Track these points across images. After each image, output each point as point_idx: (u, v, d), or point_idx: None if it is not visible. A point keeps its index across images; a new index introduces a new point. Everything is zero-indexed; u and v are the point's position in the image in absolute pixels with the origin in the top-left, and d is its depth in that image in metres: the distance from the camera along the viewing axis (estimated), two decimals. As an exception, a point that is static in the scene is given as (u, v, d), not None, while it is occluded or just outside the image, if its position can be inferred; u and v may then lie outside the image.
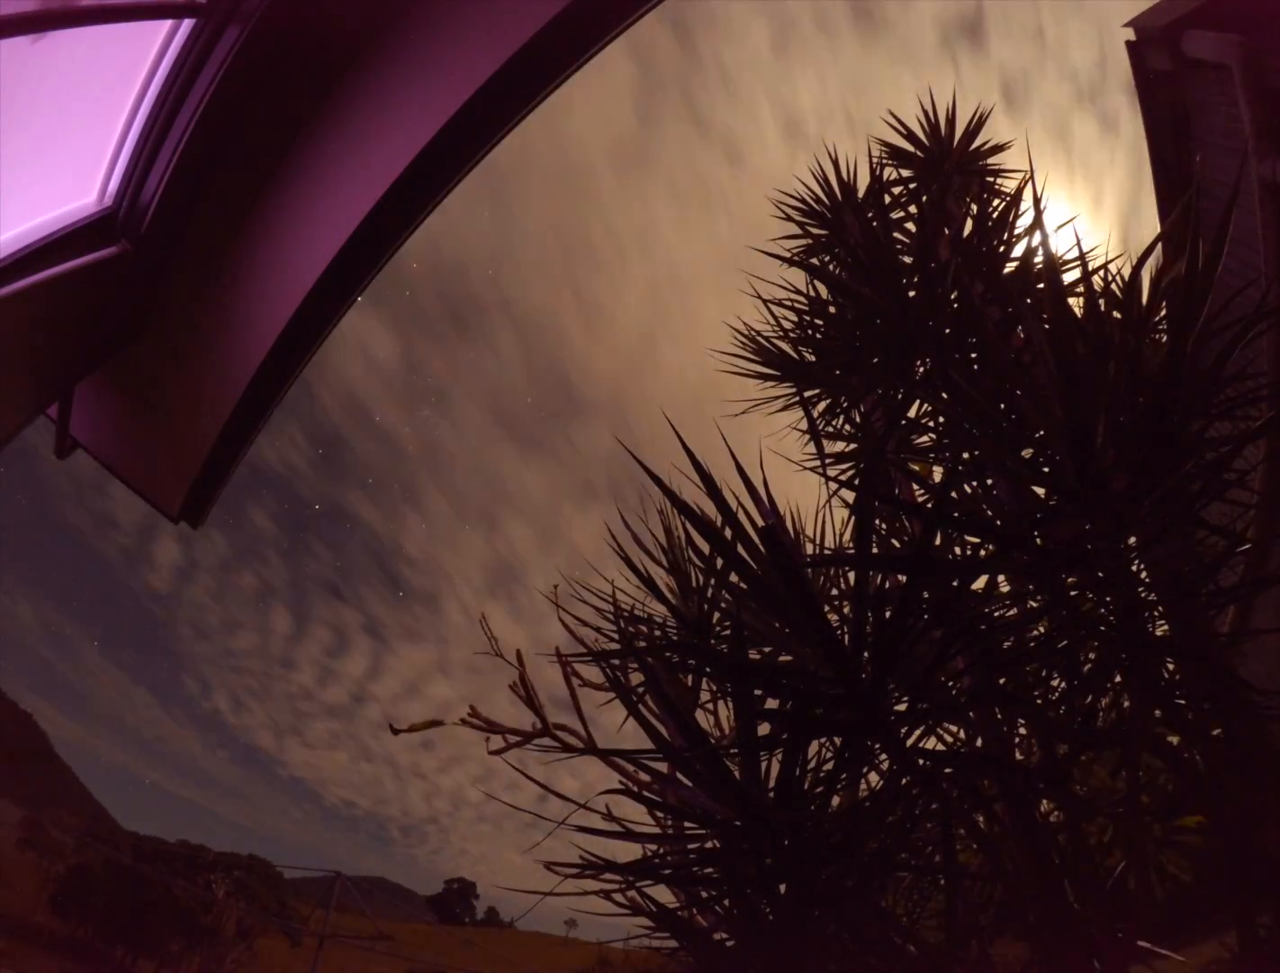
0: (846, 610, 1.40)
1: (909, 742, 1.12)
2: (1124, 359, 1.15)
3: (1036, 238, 1.86)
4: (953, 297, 1.78)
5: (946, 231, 1.96)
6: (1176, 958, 1.15)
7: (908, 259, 2.03)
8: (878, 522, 1.63)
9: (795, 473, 1.99)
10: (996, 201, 2.43)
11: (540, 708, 2.21)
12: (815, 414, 2.21)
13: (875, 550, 1.12)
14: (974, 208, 2.19)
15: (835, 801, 1.18)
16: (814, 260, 2.54)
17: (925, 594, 1.08)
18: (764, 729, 1.12)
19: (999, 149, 2.72)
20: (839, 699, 1.05)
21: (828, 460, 2.07)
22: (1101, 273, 1.78)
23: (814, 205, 2.48)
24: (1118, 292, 1.54)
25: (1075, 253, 1.64)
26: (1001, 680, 1.25)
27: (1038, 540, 1.18)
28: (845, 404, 2.18)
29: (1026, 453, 1.29)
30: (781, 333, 2.23)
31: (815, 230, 2.52)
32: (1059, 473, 1.20)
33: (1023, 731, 1.39)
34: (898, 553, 1.56)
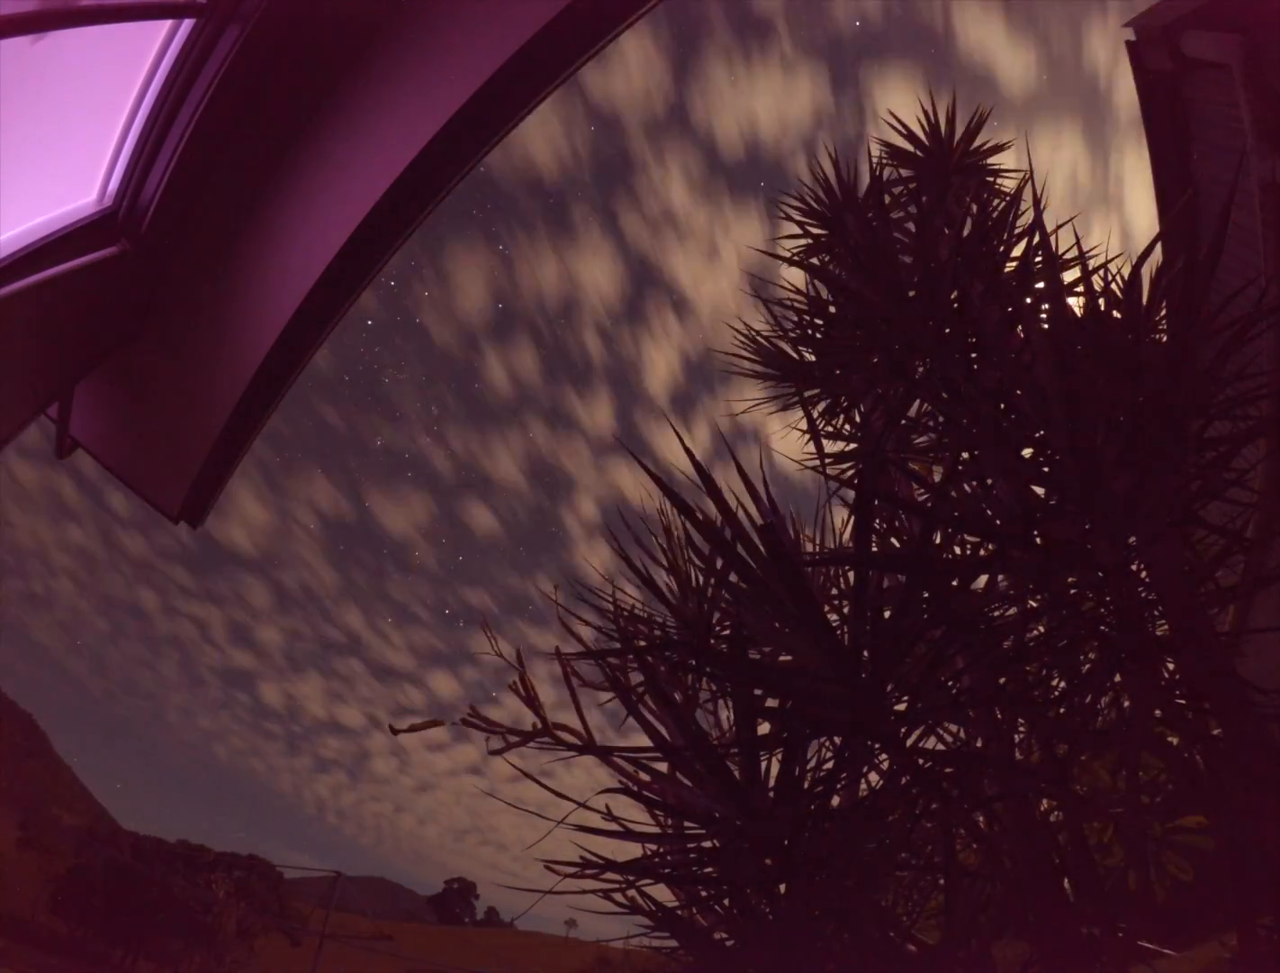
0: (846, 610, 1.40)
1: (909, 742, 1.12)
2: (1124, 359, 1.15)
3: (1036, 237, 1.85)
4: (953, 296, 1.78)
5: (946, 231, 1.96)
6: (1177, 958, 1.15)
7: (908, 259, 2.03)
8: (877, 521, 1.63)
9: (797, 472, 1.99)
10: (996, 201, 2.43)
11: (540, 707, 2.21)
12: (815, 414, 2.21)
13: (874, 549, 1.12)
14: (974, 207, 2.19)
15: (835, 801, 1.18)
16: (814, 260, 2.54)
17: (925, 594, 1.08)
18: (764, 729, 1.12)
19: (999, 149, 2.71)
20: (839, 699, 1.05)
21: (828, 460, 2.07)
22: (1101, 272, 1.78)
23: (814, 205, 2.48)
24: (1117, 291, 1.54)
25: (1075, 252, 1.64)
26: (1001, 680, 1.25)
27: (1038, 540, 1.18)
28: (845, 404, 2.18)
29: (1026, 453, 1.29)
30: (781, 333, 2.23)
31: (815, 230, 2.52)
32: (1059, 473, 1.20)
33: (1023, 731, 1.39)
34: (897, 552, 1.56)
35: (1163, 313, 1.41)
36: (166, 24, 1.83)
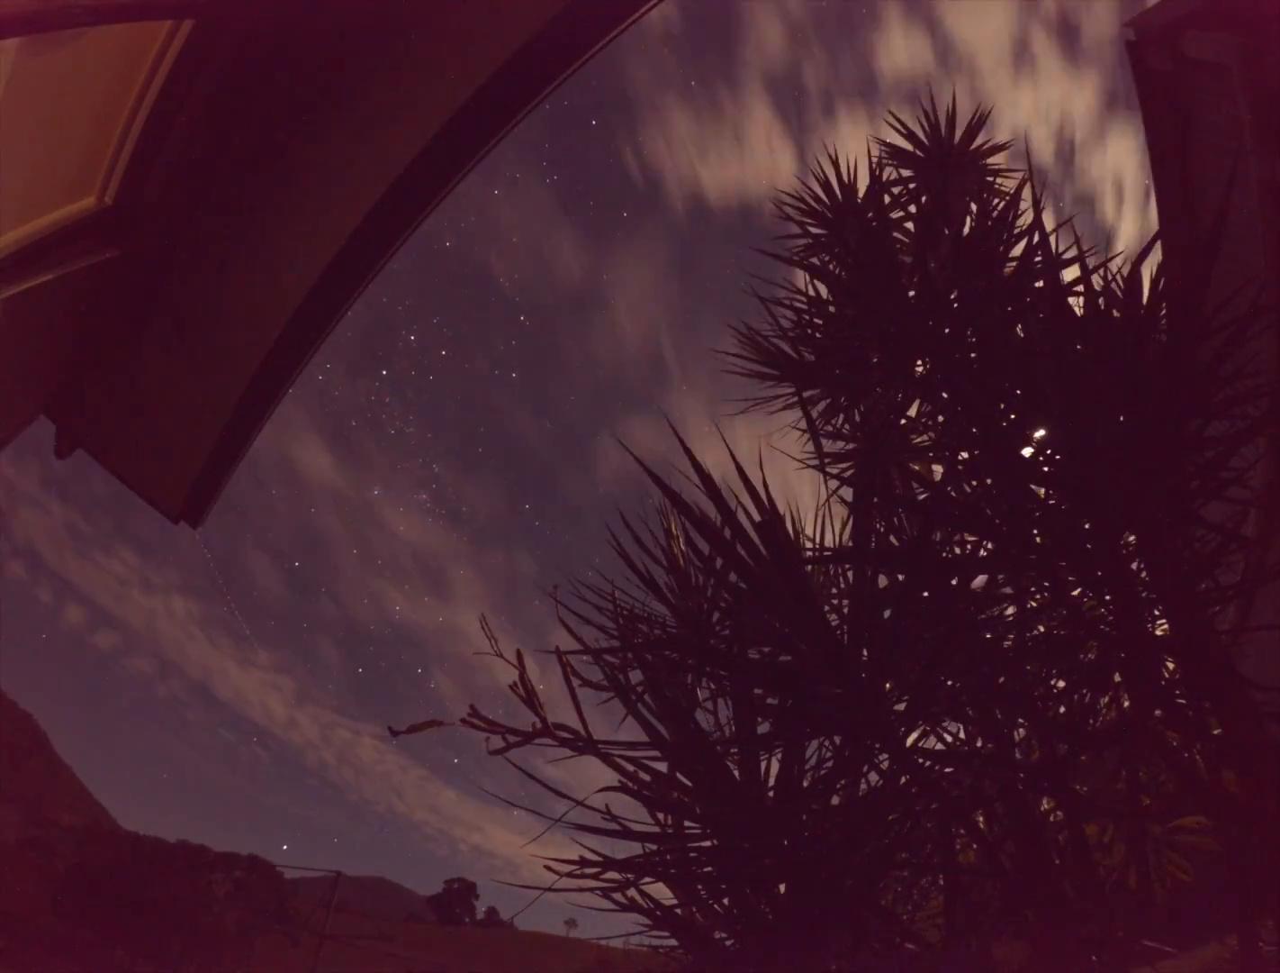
0: (846, 610, 1.40)
1: (909, 742, 1.12)
2: (1123, 358, 1.15)
3: (1035, 236, 1.85)
4: (953, 296, 1.78)
5: (946, 231, 1.96)
6: (1177, 958, 1.15)
7: (907, 259, 2.03)
8: (876, 520, 1.62)
9: (797, 471, 1.99)
10: (996, 200, 2.44)
11: (540, 707, 2.21)
12: (815, 413, 2.21)
13: (874, 548, 1.12)
14: (974, 207, 2.19)
15: (834, 800, 1.18)
16: (814, 260, 2.54)
17: (924, 593, 1.08)
18: (763, 729, 1.12)
19: (999, 148, 2.72)
20: (838, 699, 1.05)
21: (827, 460, 2.07)
22: (1101, 272, 1.78)
23: (814, 205, 2.48)
24: (1117, 291, 1.54)
25: (1075, 251, 1.64)
26: (1001, 680, 1.25)
27: (1038, 540, 1.18)
28: (845, 403, 2.18)
29: (1026, 453, 1.29)
30: (781, 332, 2.23)
31: (815, 230, 2.52)
32: (1059, 473, 1.20)
33: (1022, 731, 1.39)
34: (896, 551, 1.56)
35: (1162, 312, 1.41)
36: (166, 24, 1.83)
